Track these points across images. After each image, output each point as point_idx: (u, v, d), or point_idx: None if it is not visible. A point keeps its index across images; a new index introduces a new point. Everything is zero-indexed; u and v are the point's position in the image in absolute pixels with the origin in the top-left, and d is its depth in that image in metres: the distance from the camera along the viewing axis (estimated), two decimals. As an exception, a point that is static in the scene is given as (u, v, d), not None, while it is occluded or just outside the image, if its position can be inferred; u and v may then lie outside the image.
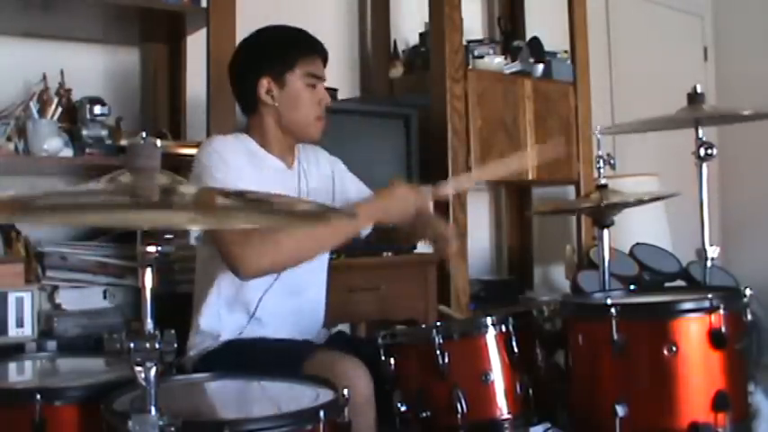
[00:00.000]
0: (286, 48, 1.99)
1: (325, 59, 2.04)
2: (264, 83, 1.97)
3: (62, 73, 2.45)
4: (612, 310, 1.64)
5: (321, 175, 2.11)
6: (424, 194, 2.00)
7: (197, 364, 1.87)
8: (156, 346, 1.14)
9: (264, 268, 1.82)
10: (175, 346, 1.18)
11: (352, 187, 2.17)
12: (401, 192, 1.95)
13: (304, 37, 2.03)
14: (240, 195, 1.24)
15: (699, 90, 2.14)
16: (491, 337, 1.73)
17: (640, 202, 2.30)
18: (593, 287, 2.43)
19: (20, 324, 2.09)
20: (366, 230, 2.18)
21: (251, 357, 1.81)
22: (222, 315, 1.94)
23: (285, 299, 1.96)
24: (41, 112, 2.31)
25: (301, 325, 2.01)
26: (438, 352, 1.67)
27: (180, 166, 2.43)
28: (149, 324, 1.16)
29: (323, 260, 2.09)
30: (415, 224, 2.01)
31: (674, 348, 1.61)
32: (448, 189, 2.41)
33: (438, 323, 1.83)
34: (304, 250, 1.86)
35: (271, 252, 1.79)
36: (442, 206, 3.06)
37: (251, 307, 1.93)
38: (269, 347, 1.86)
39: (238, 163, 1.89)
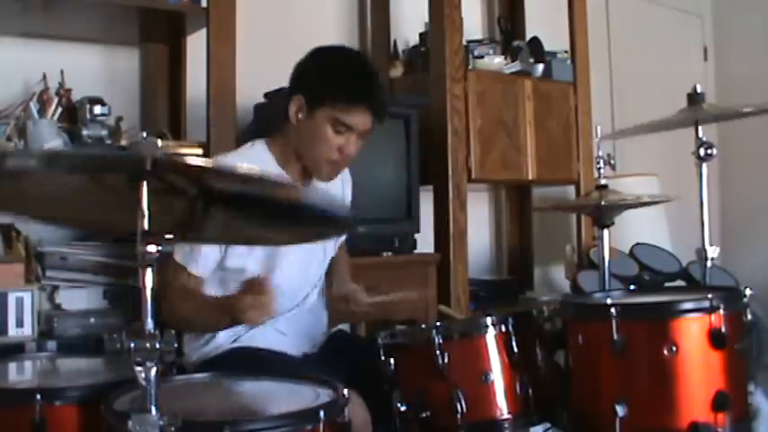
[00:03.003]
0: (329, 80, 1.88)
1: (376, 114, 1.88)
2: (297, 101, 1.89)
3: (62, 73, 2.44)
4: (612, 310, 1.65)
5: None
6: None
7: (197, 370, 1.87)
8: (156, 346, 1.14)
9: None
10: (175, 346, 1.18)
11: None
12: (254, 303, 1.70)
13: (358, 82, 1.89)
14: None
15: (699, 90, 2.14)
16: (491, 337, 1.74)
17: (640, 203, 2.30)
18: (593, 287, 2.43)
19: (20, 324, 2.09)
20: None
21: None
22: None
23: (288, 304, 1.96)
24: (41, 112, 2.31)
25: (302, 330, 2.00)
26: (438, 352, 1.67)
27: (180, 166, 2.43)
28: (149, 324, 1.16)
29: (323, 265, 2.09)
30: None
31: (674, 348, 1.61)
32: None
33: (438, 323, 1.83)
34: (194, 323, 1.84)
35: (169, 315, 1.68)
36: (442, 207, 3.07)
37: None
38: (266, 364, 1.84)
39: None
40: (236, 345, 1.91)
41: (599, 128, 2.25)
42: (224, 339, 1.92)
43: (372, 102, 1.88)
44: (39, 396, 1.40)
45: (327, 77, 1.88)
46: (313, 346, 2.03)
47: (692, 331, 1.63)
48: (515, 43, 3.53)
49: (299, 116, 1.89)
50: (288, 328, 1.97)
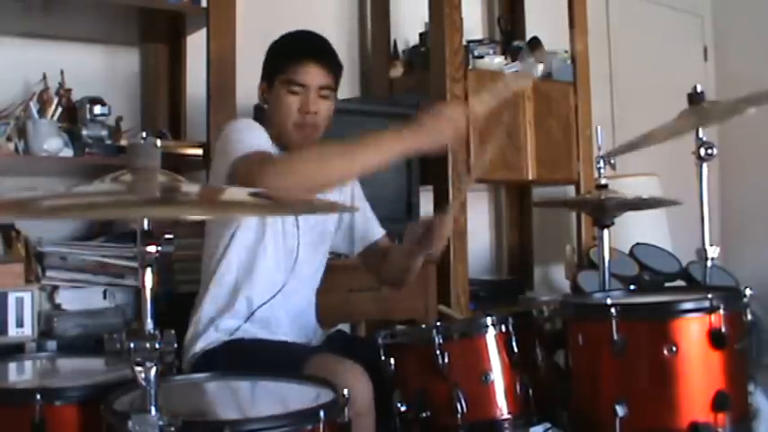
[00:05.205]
0: (276, 52, 2.00)
1: (325, 65, 1.96)
2: (261, 86, 2.02)
3: (62, 73, 2.45)
4: (612, 310, 1.64)
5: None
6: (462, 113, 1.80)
7: (195, 364, 1.87)
8: (156, 346, 1.14)
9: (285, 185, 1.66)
10: (175, 346, 1.18)
11: (360, 206, 2.17)
12: (447, 113, 1.79)
13: (298, 42, 2.01)
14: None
15: (699, 90, 2.14)
16: (491, 337, 1.73)
17: (641, 203, 2.29)
18: (593, 287, 2.43)
19: (20, 324, 2.09)
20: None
21: (250, 360, 1.81)
22: (220, 313, 1.94)
23: (284, 299, 1.97)
24: (41, 112, 2.31)
25: (298, 324, 2.01)
26: (438, 352, 1.67)
27: (180, 166, 2.44)
28: (149, 324, 1.16)
29: (320, 261, 2.10)
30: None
31: (674, 348, 1.61)
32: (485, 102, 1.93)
33: (438, 323, 1.83)
34: (333, 169, 1.74)
35: (291, 174, 1.69)
36: (442, 207, 3.07)
37: (252, 306, 1.94)
38: (268, 350, 1.86)
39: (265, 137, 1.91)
40: (234, 337, 1.91)
41: (599, 128, 2.25)
42: (223, 332, 1.92)
43: (317, 54, 1.96)
44: (39, 396, 1.39)
45: (275, 52, 2.01)
46: (309, 341, 2.04)
47: (692, 331, 1.62)
48: (515, 43, 3.53)
49: (266, 96, 2.00)
50: (286, 324, 1.98)
